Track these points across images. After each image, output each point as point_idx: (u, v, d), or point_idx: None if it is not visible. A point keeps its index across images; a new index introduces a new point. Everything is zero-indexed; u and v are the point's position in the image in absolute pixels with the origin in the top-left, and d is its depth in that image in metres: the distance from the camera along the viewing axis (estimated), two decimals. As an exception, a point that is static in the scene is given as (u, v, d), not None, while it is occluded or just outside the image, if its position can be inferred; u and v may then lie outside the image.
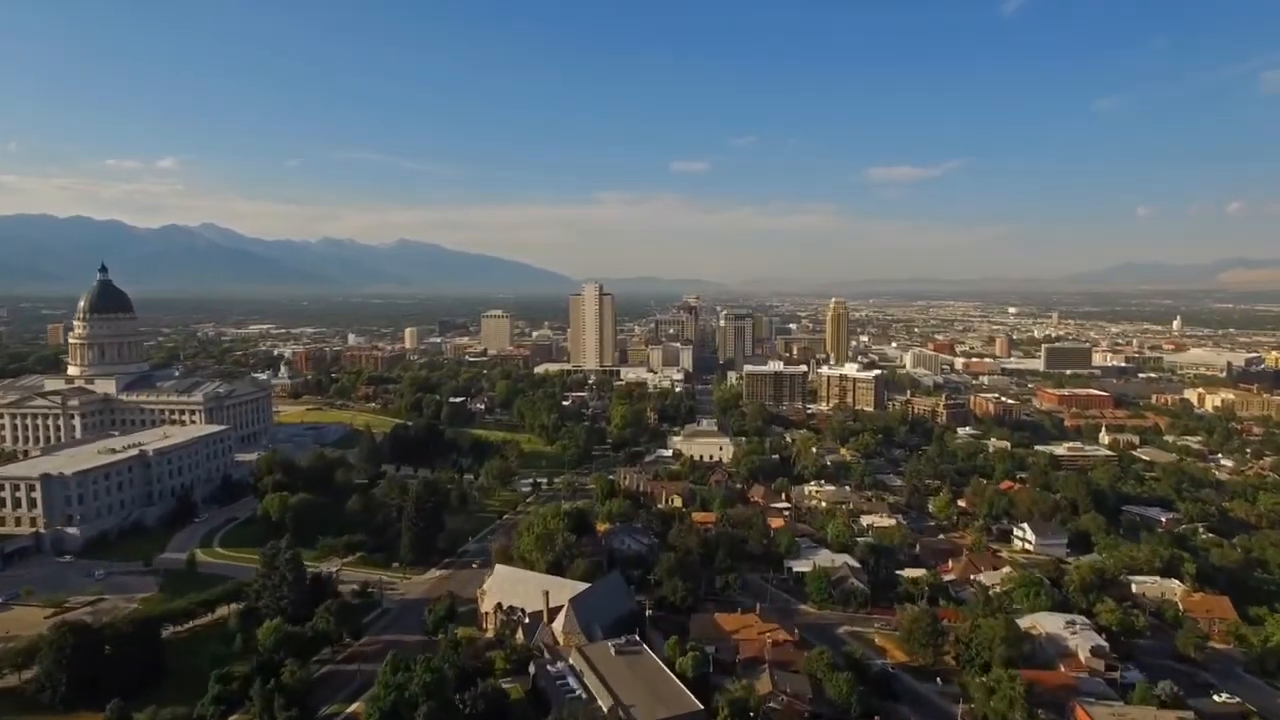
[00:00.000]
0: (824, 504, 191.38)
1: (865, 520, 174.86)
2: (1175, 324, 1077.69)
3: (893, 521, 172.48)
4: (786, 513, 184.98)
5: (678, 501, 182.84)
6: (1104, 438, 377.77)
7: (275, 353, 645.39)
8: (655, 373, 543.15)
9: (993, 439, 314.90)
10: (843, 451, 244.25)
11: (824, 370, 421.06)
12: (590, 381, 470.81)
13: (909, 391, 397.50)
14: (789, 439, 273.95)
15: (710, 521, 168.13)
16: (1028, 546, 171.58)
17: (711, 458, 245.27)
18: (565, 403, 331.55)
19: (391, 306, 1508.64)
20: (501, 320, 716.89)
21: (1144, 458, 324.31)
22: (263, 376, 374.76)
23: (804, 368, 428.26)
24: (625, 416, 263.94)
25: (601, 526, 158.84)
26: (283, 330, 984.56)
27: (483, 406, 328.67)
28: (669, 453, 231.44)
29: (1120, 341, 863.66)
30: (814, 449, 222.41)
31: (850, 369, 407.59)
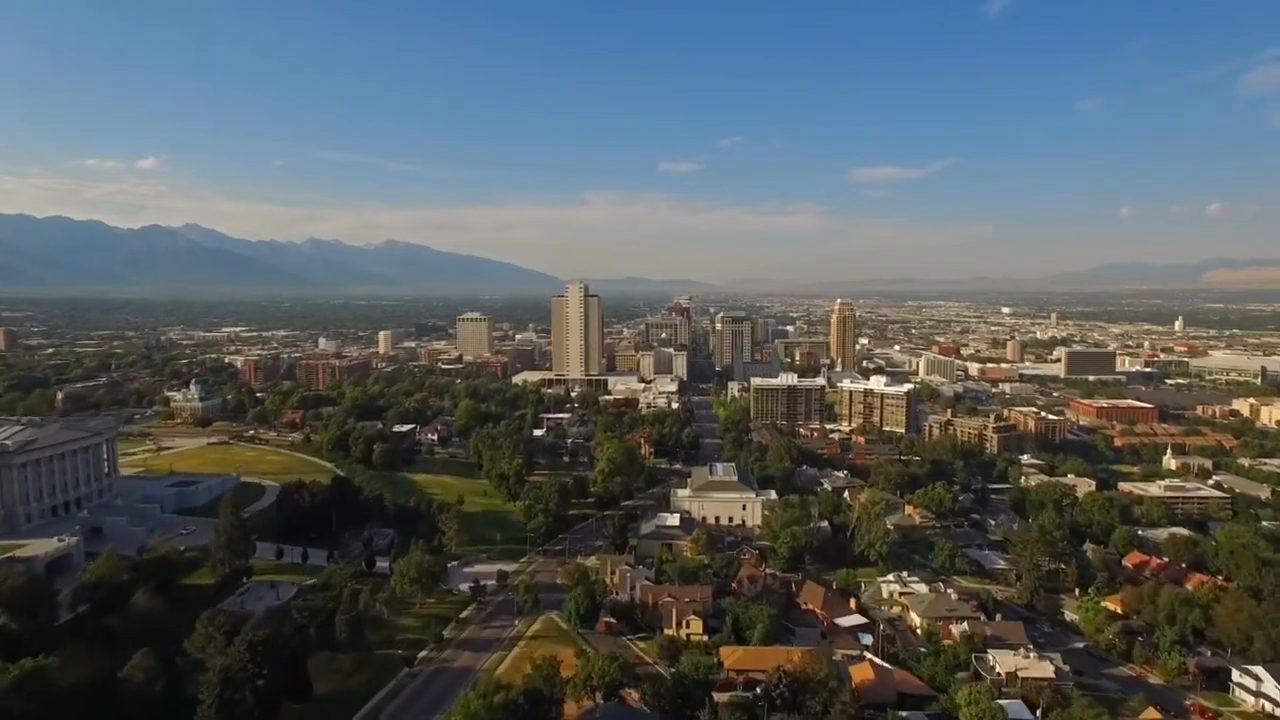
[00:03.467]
0: (918, 620, 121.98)
1: (999, 662, 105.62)
2: (1177, 324, 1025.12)
3: (1047, 667, 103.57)
4: (865, 637, 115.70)
5: (696, 627, 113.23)
6: (1170, 461, 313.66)
7: (225, 360, 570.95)
8: (647, 382, 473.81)
9: (1070, 474, 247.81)
10: (908, 511, 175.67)
11: (845, 384, 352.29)
12: (573, 396, 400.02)
13: (948, 411, 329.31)
14: (827, 486, 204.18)
15: (756, 670, 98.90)
16: (1272, 708, 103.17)
17: (731, 521, 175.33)
18: (539, 431, 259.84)
19: (374, 308, 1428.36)
20: (479, 324, 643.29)
21: (1227, 486, 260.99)
22: (193, 392, 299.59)
23: (820, 381, 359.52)
24: (613, 459, 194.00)
25: (574, 706, 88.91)
26: (254, 333, 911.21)
27: (435, 437, 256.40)
28: (674, 520, 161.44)
29: (1130, 343, 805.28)
30: (877, 511, 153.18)
31: (877, 383, 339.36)
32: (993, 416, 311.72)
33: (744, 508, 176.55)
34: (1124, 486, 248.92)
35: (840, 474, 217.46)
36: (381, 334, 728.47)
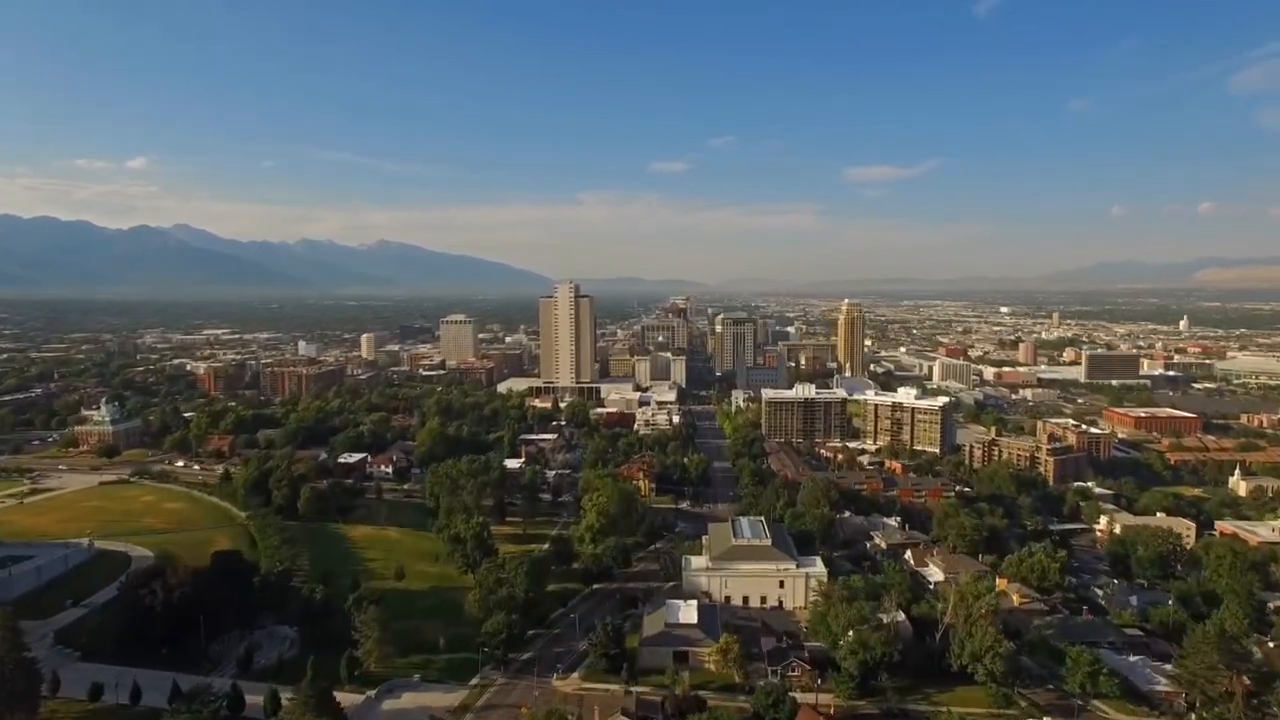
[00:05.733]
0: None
1: None
2: (1182, 324, 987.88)
3: None
4: None
5: None
6: (1239, 484, 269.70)
7: (188, 367, 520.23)
8: (643, 390, 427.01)
9: (1159, 512, 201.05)
10: (1000, 584, 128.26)
11: (868, 396, 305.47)
12: (562, 407, 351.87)
13: (993, 429, 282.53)
14: (880, 541, 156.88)
15: None
16: None
17: (765, 601, 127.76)
18: (514, 463, 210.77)
19: (365, 309, 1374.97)
20: (463, 326, 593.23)
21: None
22: (103, 413, 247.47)
23: (841, 393, 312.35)
24: (605, 511, 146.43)
25: None
26: (235, 336, 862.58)
27: (389, 470, 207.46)
28: (689, 614, 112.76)
29: (1140, 344, 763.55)
30: (983, 607, 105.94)
31: (905, 395, 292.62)
32: (1046, 436, 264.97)
33: (781, 584, 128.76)
34: (1223, 526, 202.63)
35: (891, 521, 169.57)
36: (364, 337, 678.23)
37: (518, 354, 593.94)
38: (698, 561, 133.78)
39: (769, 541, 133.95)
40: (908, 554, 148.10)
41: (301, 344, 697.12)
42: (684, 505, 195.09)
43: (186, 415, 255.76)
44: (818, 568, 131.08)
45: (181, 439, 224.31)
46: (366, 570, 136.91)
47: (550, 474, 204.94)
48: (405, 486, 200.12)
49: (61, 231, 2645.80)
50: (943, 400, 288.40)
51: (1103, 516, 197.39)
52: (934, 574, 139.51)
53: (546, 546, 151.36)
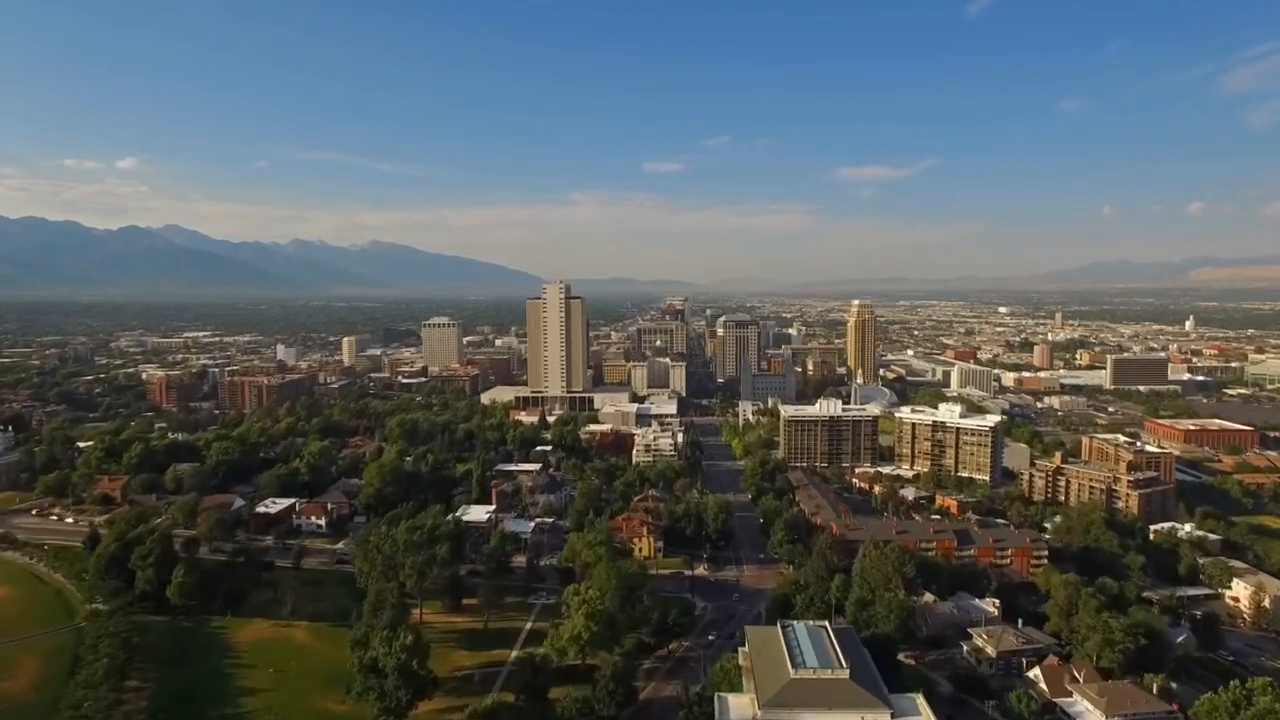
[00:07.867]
0: None
1: None
2: (1188, 324, 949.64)
3: None
4: None
5: None
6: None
7: (144, 376, 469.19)
8: (640, 400, 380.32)
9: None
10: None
11: (904, 414, 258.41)
12: (550, 421, 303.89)
13: (1057, 456, 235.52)
14: (986, 645, 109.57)
15: None
16: None
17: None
18: (481, 514, 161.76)
19: (355, 310, 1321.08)
20: (447, 330, 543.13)
21: None
22: None
23: (874, 410, 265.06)
24: (596, 610, 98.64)
25: None
26: (216, 338, 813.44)
27: (323, 522, 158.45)
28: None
29: (1153, 345, 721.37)
30: None
31: (949, 412, 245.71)
32: (1124, 465, 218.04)
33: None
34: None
35: (988, 606, 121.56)
36: (345, 340, 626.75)
37: (506, 359, 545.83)
38: (739, 706, 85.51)
39: (845, 672, 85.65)
40: (1034, 672, 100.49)
41: (280, 347, 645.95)
42: (700, 570, 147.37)
43: (84, 444, 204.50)
44: (919, 714, 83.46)
45: (61, 480, 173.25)
46: (236, 716, 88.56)
47: (528, 528, 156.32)
48: (339, 545, 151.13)
49: (50, 232, 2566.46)
50: (993, 419, 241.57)
51: (1237, 580, 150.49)
52: (1085, 712, 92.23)
53: (513, 658, 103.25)
